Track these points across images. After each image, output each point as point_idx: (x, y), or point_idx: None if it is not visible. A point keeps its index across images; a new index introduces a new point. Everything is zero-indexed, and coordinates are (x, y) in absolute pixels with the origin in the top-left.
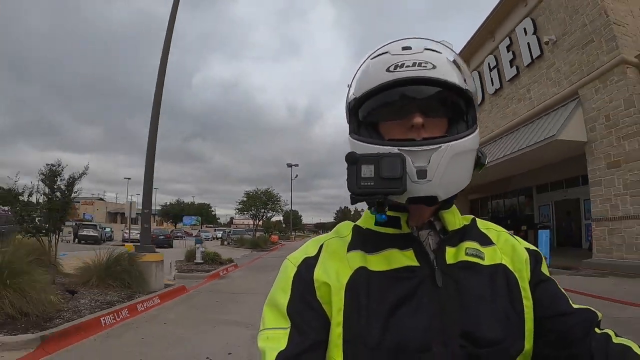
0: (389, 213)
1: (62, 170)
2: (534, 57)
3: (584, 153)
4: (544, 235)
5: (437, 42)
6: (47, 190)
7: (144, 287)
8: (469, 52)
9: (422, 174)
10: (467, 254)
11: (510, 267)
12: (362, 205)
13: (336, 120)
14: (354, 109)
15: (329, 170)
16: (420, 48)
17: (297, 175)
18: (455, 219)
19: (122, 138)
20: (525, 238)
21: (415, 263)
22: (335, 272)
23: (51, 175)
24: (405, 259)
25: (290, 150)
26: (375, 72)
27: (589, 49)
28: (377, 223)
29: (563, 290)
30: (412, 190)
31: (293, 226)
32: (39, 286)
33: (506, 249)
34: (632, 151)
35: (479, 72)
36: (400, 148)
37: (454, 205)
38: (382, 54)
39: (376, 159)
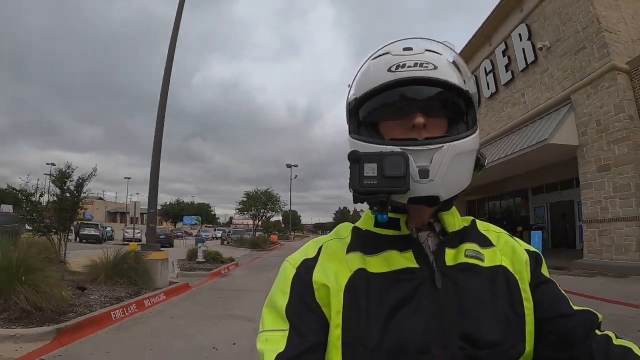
0: (388, 214)
1: (72, 172)
2: (528, 63)
3: (576, 156)
4: (536, 236)
5: (438, 42)
6: (57, 191)
7: (150, 284)
8: (466, 56)
9: (424, 173)
10: (466, 256)
11: (510, 268)
12: (362, 206)
13: (336, 121)
14: (355, 109)
15: (329, 170)
16: (421, 49)
17: (296, 176)
18: (454, 220)
19: (122, 137)
20: (520, 239)
21: (415, 265)
22: (334, 274)
23: (61, 176)
24: (404, 260)
25: (290, 150)
26: (377, 72)
27: (581, 55)
28: (377, 224)
29: (563, 292)
30: (414, 189)
31: (292, 226)
32: (52, 282)
33: (506, 250)
34: (622, 155)
35: (475, 76)
36: (403, 147)
37: (453, 206)
38: (383, 54)
39: (379, 158)
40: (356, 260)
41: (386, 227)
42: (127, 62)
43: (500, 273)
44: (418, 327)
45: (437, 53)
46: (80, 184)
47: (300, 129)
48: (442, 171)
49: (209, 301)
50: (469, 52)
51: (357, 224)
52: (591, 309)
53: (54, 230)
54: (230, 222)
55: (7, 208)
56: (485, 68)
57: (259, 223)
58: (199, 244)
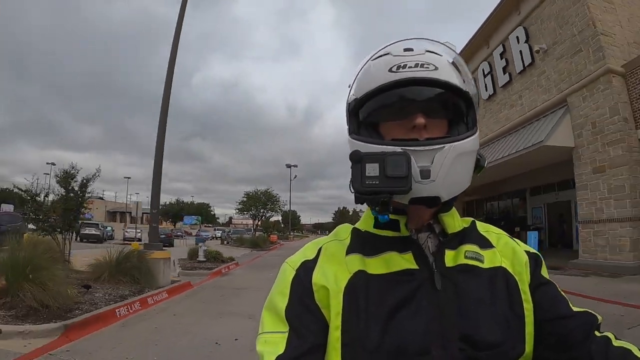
0: (388, 216)
1: (77, 173)
2: (525, 65)
3: (572, 158)
4: (532, 236)
5: (439, 43)
6: (62, 191)
7: (153, 282)
8: (465, 58)
9: (425, 173)
10: (466, 257)
11: (510, 270)
12: (361, 206)
13: (336, 121)
14: (355, 109)
15: (328, 170)
16: (421, 50)
17: (296, 176)
18: (454, 221)
19: (121, 137)
20: (518, 239)
21: (415, 266)
22: (333, 276)
23: (66, 177)
24: (404, 262)
25: (290, 151)
26: (377, 72)
27: (577, 58)
28: (376, 225)
29: (563, 293)
30: (415, 190)
31: (291, 226)
32: (58, 280)
33: (506, 251)
34: (616, 157)
35: (474, 78)
36: (404, 148)
37: (453, 207)
38: (384, 55)
39: (381, 158)
40: (356, 262)
41: (386, 229)
42: (127, 61)
43: (500, 274)
44: (418, 328)
45: (438, 54)
46: (84, 184)
47: (300, 129)
48: (443, 172)
49: (210, 299)
50: (468, 53)
51: (356, 225)
52: (590, 311)
53: (59, 230)
54: (229, 221)
55: (8, 208)
56: (483, 70)
57: (259, 223)
58: (200, 244)
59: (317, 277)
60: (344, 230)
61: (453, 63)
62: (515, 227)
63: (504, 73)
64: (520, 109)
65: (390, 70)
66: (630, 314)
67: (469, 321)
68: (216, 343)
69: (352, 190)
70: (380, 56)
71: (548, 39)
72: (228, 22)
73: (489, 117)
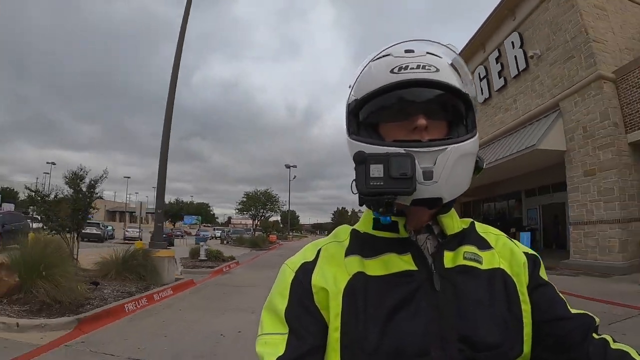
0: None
1: (86, 174)
2: (520, 70)
3: (564, 161)
4: (525, 237)
5: (440, 44)
6: (71, 192)
7: (158, 279)
8: None
9: (428, 175)
10: (465, 258)
11: (508, 271)
12: (360, 207)
13: (336, 121)
14: (355, 110)
15: (328, 170)
16: (422, 51)
17: (295, 177)
18: (453, 222)
19: (120, 136)
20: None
21: (414, 267)
22: (333, 277)
23: (74, 178)
24: (403, 263)
25: (290, 151)
26: (379, 73)
27: (569, 64)
28: (375, 226)
29: (561, 295)
30: (418, 191)
31: (291, 226)
32: (70, 277)
33: (504, 253)
34: (606, 161)
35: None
36: (407, 149)
37: (452, 209)
38: (385, 56)
39: (385, 159)
40: (355, 264)
41: (385, 230)
42: (126, 61)
43: (498, 275)
44: (417, 330)
45: (438, 56)
46: (92, 185)
47: (300, 129)
48: (445, 173)
49: (213, 296)
50: (465, 57)
51: (355, 227)
52: (588, 313)
53: (68, 229)
54: (228, 221)
55: (9, 207)
56: (479, 74)
57: (258, 223)
58: (201, 243)
59: (316, 279)
60: (343, 232)
61: (452, 65)
62: (510, 228)
63: (499, 77)
64: (514, 112)
65: (391, 71)
66: (611, 310)
67: (468, 322)
68: (221, 335)
69: (354, 192)
70: (381, 57)
71: (542, 44)
72: (228, 22)
73: (484, 121)
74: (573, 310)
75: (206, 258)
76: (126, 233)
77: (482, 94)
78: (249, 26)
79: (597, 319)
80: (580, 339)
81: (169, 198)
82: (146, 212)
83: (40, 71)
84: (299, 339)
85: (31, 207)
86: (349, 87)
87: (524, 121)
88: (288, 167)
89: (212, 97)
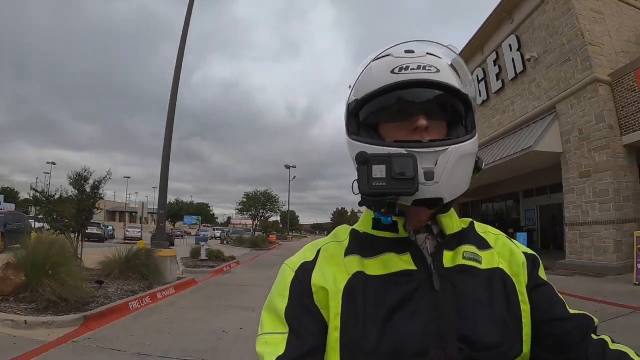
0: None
1: (90, 175)
2: (517, 72)
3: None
4: (521, 237)
5: (441, 45)
6: (75, 192)
7: (160, 278)
8: None
9: (429, 175)
10: (464, 258)
11: (507, 270)
12: (360, 208)
13: (335, 122)
14: (355, 110)
15: (327, 171)
16: (422, 52)
17: (294, 177)
18: (452, 222)
19: (119, 136)
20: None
21: (413, 267)
22: (332, 277)
23: (78, 179)
24: (402, 262)
25: (289, 151)
26: (379, 73)
27: (566, 67)
28: (375, 226)
29: (560, 295)
30: (420, 191)
31: (290, 227)
32: (75, 276)
33: (504, 252)
34: (601, 163)
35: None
36: (408, 149)
37: (452, 208)
38: (385, 56)
39: (387, 159)
40: (354, 263)
41: (384, 230)
42: (126, 61)
43: (497, 275)
44: (416, 329)
45: (437, 56)
46: (96, 186)
47: (300, 129)
48: (446, 173)
49: (214, 294)
50: (463, 59)
51: (355, 226)
52: (587, 313)
53: (72, 229)
54: (228, 221)
55: (10, 207)
56: (477, 76)
57: (257, 223)
58: (202, 243)
59: (316, 278)
60: (343, 232)
61: (452, 65)
62: (508, 228)
63: (497, 79)
64: (511, 114)
65: (392, 71)
66: (603, 309)
67: (467, 322)
68: (223, 331)
69: (356, 192)
70: (381, 57)
71: (539, 47)
72: (228, 22)
73: (482, 122)
74: (572, 311)
75: (207, 258)
76: (126, 233)
77: (480, 95)
78: (249, 26)
79: (596, 320)
80: (579, 339)
81: (168, 198)
82: (148, 212)
83: (40, 71)
84: (298, 339)
85: (36, 208)
86: (349, 87)
87: (521, 123)
88: (288, 167)
89: (212, 97)
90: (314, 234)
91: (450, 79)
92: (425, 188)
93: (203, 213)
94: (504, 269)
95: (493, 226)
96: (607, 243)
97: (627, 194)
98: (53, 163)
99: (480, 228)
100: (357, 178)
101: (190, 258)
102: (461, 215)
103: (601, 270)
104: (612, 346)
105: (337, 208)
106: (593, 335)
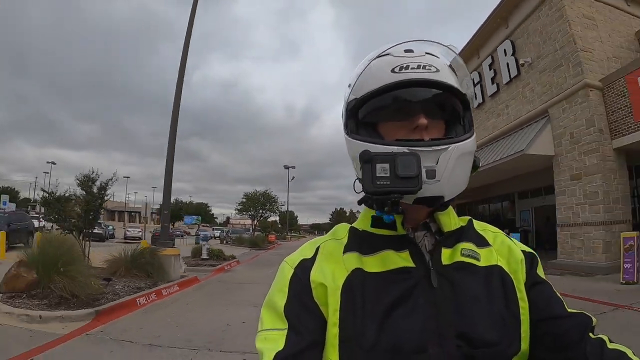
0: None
1: (98, 177)
2: (512, 77)
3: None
4: (515, 237)
5: (441, 45)
6: (84, 194)
7: (165, 276)
8: (458, 65)
9: (431, 173)
10: (462, 255)
11: (506, 268)
12: (360, 207)
13: (334, 122)
14: (355, 109)
15: (326, 171)
16: (421, 52)
17: (293, 177)
18: (451, 220)
19: (118, 136)
20: None
21: (411, 264)
22: (331, 273)
23: (86, 180)
24: (400, 260)
25: (288, 151)
26: (379, 72)
27: (558, 72)
28: (373, 224)
29: (558, 294)
30: (421, 190)
31: (289, 227)
32: (85, 273)
33: (502, 250)
34: (591, 166)
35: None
36: (410, 148)
37: (450, 206)
38: (384, 55)
39: (391, 158)
40: (353, 260)
41: (383, 228)
42: (126, 60)
43: (495, 272)
44: (414, 326)
45: (436, 56)
46: (103, 188)
47: (299, 130)
48: (447, 172)
49: (217, 291)
50: None
51: (354, 225)
52: (586, 312)
53: (80, 229)
54: (227, 221)
55: (11, 206)
56: (473, 79)
57: (257, 223)
58: (203, 243)
59: (315, 275)
60: (342, 230)
61: (450, 66)
62: (504, 229)
63: (492, 83)
64: (506, 118)
65: (392, 70)
66: (583, 306)
67: (466, 319)
68: (227, 325)
69: (358, 191)
70: (381, 57)
71: (533, 52)
72: (228, 22)
73: (477, 125)
74: (570, 310)
75: (208, 257)
76: (127, 232)
77: (475, 99)
78: (249, 26)
79: (594, 319)
80: (578, 338)
81: None
82: (151, 212)
83: (39, 70)
84: (298, 335)
85: (45, 208)
86: (349, 86)
87: (516, 126)
88: (287, 167)
89: (212, 97)
90: (312, 234)
91: (450, 79)
92: (426, 186)
93: (202, 213)
94: (503, 267)
95: None
96: (596, 244)
97: (617, 196)
98: (53, 163)
99: (479, 226)
100: (359, 177)
101: (192, 257)
102: (458, 216)
103: (591, 270)
104: (610, 345)
105: (335, 208)
106: (591, 335)
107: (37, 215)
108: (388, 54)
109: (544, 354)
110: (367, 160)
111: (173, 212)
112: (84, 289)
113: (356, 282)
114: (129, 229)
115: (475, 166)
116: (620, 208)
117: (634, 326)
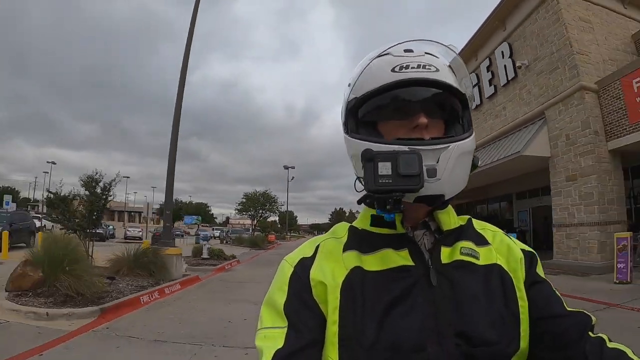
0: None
1: (102, 178)
2: (509, 79)
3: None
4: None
5: (441, 44)
6: (87, 194)
7: (167, 275)
8: (457, 66)
9: (432, 172)
10: (462, 254)
11: (505, 267)
12: (359, 207)
13: (334, 122)
14: (355, 108)
15: (326, 171)
16: (421, 51)
17: (293, 178)
18: (450, 219)
19: (118, 135)
20: None
21: (410, 263)
22: (331, 272)
23: (90, 181)
24: (400, 258)
25: (288, 151)
26: (380, 72)
27: (554, 74)
28: (373, 223)
29: (558, 293)
30: (422, 188)
31: (288, 227)
32: (90, 272)
33: (502, 249)
34: (586, 167)
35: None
36: (411, 147)
37: (449, 205)
38: (384, 55)
39: (393, 156)
40: (352, 259)
41: (382, 226)
42: (126, 60)
43: (495, 271)
44: (413, 325)
45: (435, 56)
46: (106, 188)
47: (299, 130)
48: (448, 170)
49: (218, 290)
50: None
51: (353, 224)
52: (585, 311)
53: (84, 229)
54: (226, 221)
55: (12, 206)
56: (471, 81)
57: (256, 223)
58: (204, 242)
59: (314, 273)
60: (341, 228)
61: (450, 65)
62: (502, 229)
63: (490, 85)
64: (503, 119)
65: (392, 70)
66: (578, 304)
67: (465, 317)
68: (229, 321)
69: (359, 190)
70: (381, 56)
71: (530, 55)
72: (228, 22)
73: (475, 126)
74: (569, 308)
75: (209, 256)
76: (127, 232)
77: (473, 100)
78: (249, 26)
79: (593, 318)
80: (577, 337)
81: None
82: (152, 212)
83: (39, 70)
84: (297, 333)
85: (50, 209)
86: (348, 85)
87: (513, 128)
88: (286, 168)
89: (212, 97)
90: (312, 234)
91: (449, 78)
92: (427, 185)
93: (202, 213)
94: (502, 265)
95: None
96: (591, 244)
97: (612, 197)
98: (53, 163)
99: (479, 225)
100: (359, 175)
101: (192, 257)
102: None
103: (586, 270)
104: (609, 344)
105: (335, 208)
106: (591, 333)
107: (38, 215)
108: (388, 54)
109: (544, 353)
110: (369, 159)
111: (173, 212)
112: (89, 287)
113: (356, 280)
114: (129, 229)
115: (474, 165)
116: (615, 209)
117: (624, 324)
